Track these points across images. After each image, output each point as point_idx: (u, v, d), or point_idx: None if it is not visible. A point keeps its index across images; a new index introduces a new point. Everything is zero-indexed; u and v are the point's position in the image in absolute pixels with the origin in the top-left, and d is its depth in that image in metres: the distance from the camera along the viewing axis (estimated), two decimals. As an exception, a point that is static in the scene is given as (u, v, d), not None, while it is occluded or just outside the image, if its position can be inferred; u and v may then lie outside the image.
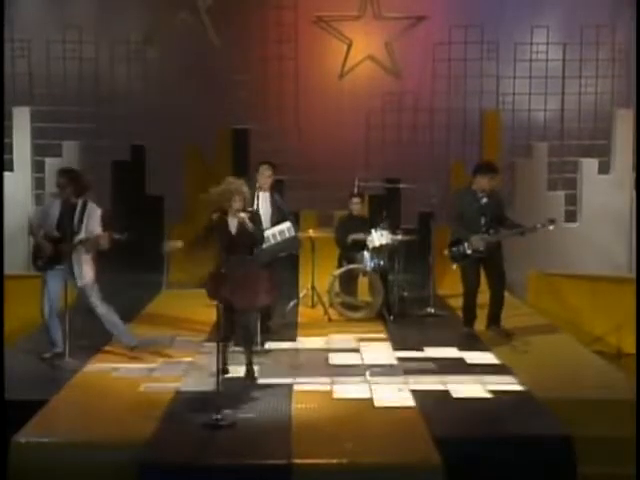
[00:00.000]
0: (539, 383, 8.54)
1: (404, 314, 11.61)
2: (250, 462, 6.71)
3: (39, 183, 13.96)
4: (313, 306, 12.03)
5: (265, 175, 10.39)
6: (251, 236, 8.75)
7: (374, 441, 7.09)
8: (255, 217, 8.94)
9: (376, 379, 8.79)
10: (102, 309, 9.49)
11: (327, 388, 8.47)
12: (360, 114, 13.99)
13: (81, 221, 9.30)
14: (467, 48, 14.05)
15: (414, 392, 8.25)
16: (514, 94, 14.23)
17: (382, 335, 10.73)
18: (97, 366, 9.27)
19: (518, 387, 8.48)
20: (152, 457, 6.79)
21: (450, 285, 13.24)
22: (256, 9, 13.83)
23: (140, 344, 9.74)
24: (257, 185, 10.24)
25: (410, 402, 8.01)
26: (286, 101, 14.03)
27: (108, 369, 9.15)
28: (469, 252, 10.25)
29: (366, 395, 8.26)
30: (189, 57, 13.81)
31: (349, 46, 13.88)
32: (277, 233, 10.25)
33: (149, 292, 13.17)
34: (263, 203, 10.22)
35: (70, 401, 8.12)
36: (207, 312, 10.04)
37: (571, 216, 14.18)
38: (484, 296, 10.60)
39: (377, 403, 8.03)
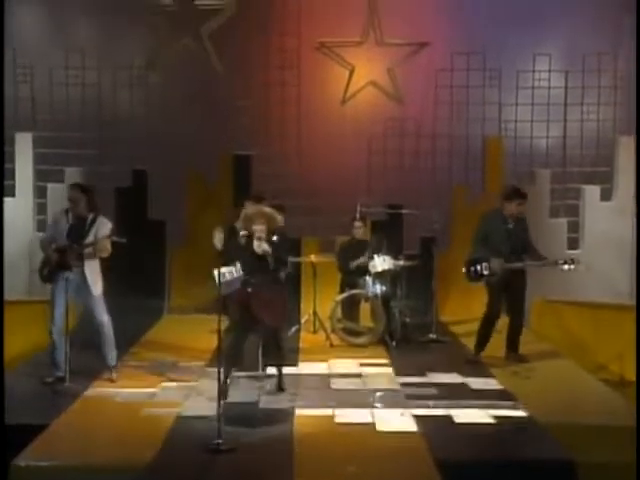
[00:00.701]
0: (542, 409, 8.55)
1: (406, 340, 11.61)
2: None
3: (41, 209, 13.94)
4: (315, 332, 12.05)
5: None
6: (274, 257, 9.00)
7: (376, 465, 7.08)
8: (280, 240, 9.17)
9: (378, 404, 8.78)
10: (106, 321, 9.59)
11: (329, 412, 8.48)
12: (362, 139, 14.01)
13: (90, 233, 9.42)
14: (469, 75, 14.06)
15: (416, 417, 8.25)
16: (516, 121, 14.22)
17: (384, 361, 10.73)
18: (98, 390, 9.28)
19: (521, 413, 8.47)
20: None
21: (452, 311, 13.34)
22: (259, 36, 13.84)
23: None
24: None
25: (412, 427, 8.00)
26: (288, 127, 14.04)
27: (109, 394, 9.16)
28: (486, 272, 10.31)
29: (368, 420, 8.26)
30: (192, 83, 13.83)
31: (351, 72, 13.91)
32: None
33: (150, 317, 13.15)
34: None
35: (70, 425, 8.12)
36: (209, 338, 10.06)
37: (573, 243, 14.14)
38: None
39: (379, 427, 8.02)
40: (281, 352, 9.41)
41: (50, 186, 13.85)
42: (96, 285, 9.52)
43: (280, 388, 9.24)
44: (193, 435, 7.76)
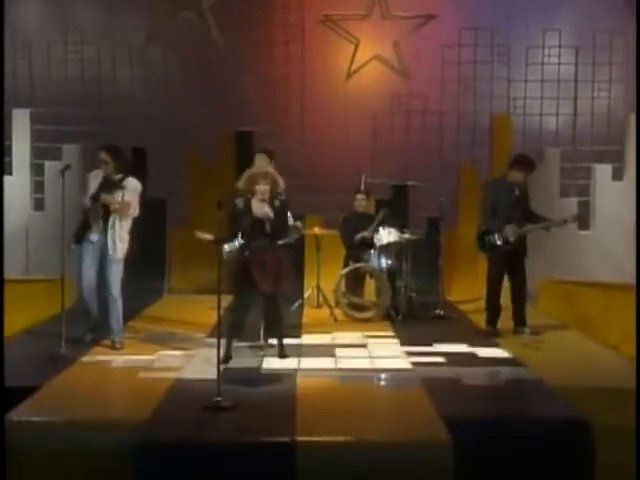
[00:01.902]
0: (551, 373, 8.43)
1: (412, 315, 11.48)
2: (252, 440, 6.59)
3: (38, 187, 13.87)
4: (318, 306, 11.94)
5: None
6: (274, 222, 8.89)
7: (380, 419, 6.99)
8: (280, 206, 9.03)
9: (383, 365, 8.70)
10: (117, 290, 9.57)
11: (332, 373, 8.45)
12: (367, 116, 13.92)
13: (117, 194, 9.38)
14: (477, 51, 13.97)
15: (422, 379, 8.15)
16: (525, 98, 14.14)
17: (390, 333, 10.61)
18: (94, 357, 9.19)
19: (530, 376, 8.37)
20: (150, 437, 6.66)
21: (460, 291, 13.23)
22: (262, 9, 13.77)
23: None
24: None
25: (417, 384, 7.91)
26: (292, 103, 13.96)
27: (106, 360, 9.09)
28: (499, 243, 10.25)
29: (373, 378, 8.23)
30: (193, 58, 13.77)
31: (356, 46, 13.83)
32: None
33: (149, 297, 13.02)
34: None
35: (66, 385, 8.04)
36: (209, 314, 9.92)
37: (584, 223, 14.00)
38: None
39: (384, 385, 7.94)
40: (280, 322, 9.34)
41: (48, 164, 13.72)
42: (116, 248, 9.46)
43: (282, 355, 9.11)
44: (192, 394, 7.67)
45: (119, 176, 9.53)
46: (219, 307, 7.59)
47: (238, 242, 9.48)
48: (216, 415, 7.10)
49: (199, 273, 12.98)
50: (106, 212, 9.40)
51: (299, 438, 6.50)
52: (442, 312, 11.74)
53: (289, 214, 9.53)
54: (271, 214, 8.89)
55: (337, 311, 11.41)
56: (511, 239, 10.24)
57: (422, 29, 13.88)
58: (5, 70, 13.28)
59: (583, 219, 10.78)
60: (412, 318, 11.43)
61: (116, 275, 9.55)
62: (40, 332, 10.32)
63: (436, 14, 13.75)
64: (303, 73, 13.93)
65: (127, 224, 9.56)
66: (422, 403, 7.38)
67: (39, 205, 13.88)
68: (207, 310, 10.49)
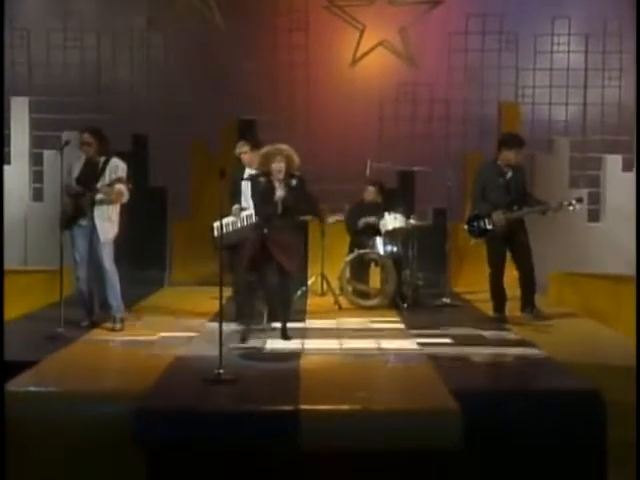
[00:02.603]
0: (561, 352, 8.40)
1: (418, 303, 11.43)
2: (255, 408, 6.54)
3: (37, 176, 13.87)
4: (323, 294, 11.90)
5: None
6: (293, 202, 8.91)
7: (386, 389, 6.95)
8: (298, 184, 9.01)
9: (389, 344, 8.67)
10: (111, 268, 9.56)
11: (337, 351, 8.41)
12: (373, 104, 13.90)
13: (103, 175, 9.39)
14: (485, 38, 13.97)
15: (429, 355, 8.11)
16: (534, 87, 14.11)
17: (396, 319, 10.56)
18: (93, 337, 9.18)
19: (540, 354, 8.33)
20: (149, 404, 6.62)
21: (466, 283, 13.17)
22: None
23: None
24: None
25: (424, 360, 7.88)
26: (296, 91, 13.94)
27: (105, 339, 9.10)
28: (489, 227, 10.15)
29: (378, 355, 8.19)
30: (195, 44, 13.77)
31: (362, 32, 13.82)
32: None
33: (149, 288, 12.97)
34: None
35: (65, 360, 8.04)
36: (211, 303, 10.08)
37: (594, 215, 13.99)
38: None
39: (390, 360, 7.90)
40: (291, 303, 9.45)
41: (47, 153, 13.70)
42: (105, 231, 9.45)
43: (285, 336, 9.06)
44: (193, 369, 7.65)
45: (102, 159, 9.51)
46: (221, 283, 7.57)
47: (240, 220, 9.53)
48: (217, 387, 7.06)
49: (201, 265, 12.92)
50: (92, 196, 9.37)
51: (303, 406, 6.45)
52: (449, 300, 11.69)
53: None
54: (282, 196, 8.86)
55: (342, 299, 11.33)
56: (502, 224, 10.13)
57: (429, 15, 13.87)
58: (3, 58, 13.33)
59: (582, 202, 10.57)
60: (418, 306, 11.37)
61: (108, 255, 9.55)
62: (38, 317, 10.32)
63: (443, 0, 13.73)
64: (307, 60, 13.90)
65: (115, 208, 9.57)
66: (429, 377, 7.35)
67: (38, 195, 13.88)
68: (209, 300, 10.52)
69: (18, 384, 6.98)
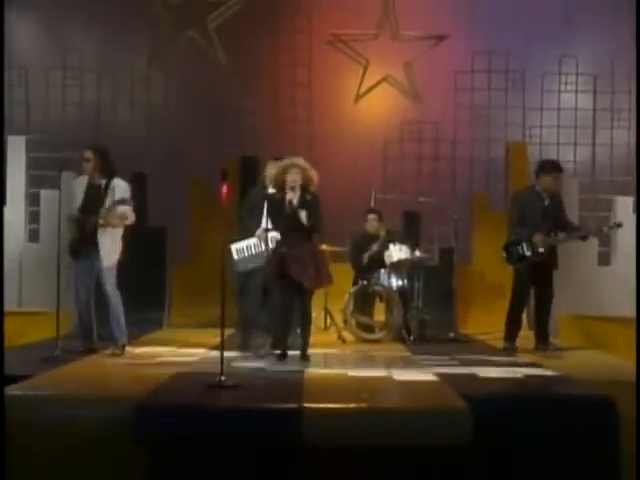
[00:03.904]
0: (572, 371, 8.48)
1: (424, 338, 11.50)
2: (257, 406, 6.61)
3: (33, 217, 13.95)
4: (326, 328, 11.97)
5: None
6: (308, 217, 9.06)
7: (392, 391, 7.01)
8: (312, 199, 9.17)
9: (395, 367, 8.75)
10: (113, 293, 9.65)
11: (342, 372, 8.47)
12: (377, 142, 14.14)
13: (105, 198, 9.49)
14: (491, 77, 14.23)
15: (437, 374, 8.17)
16: (541, 126, 14.38)
17: (402, 348, 10.63)
18: (92, 359, 9.25)
19: (551, 373, 8.40)
20: (150, 402, 6.70)
21: (474, 325, 13.21)
22: (268, 32, 14.08)
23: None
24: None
25: (432, 377, 7.93)
26: (298, 129, 14.18)
27: (104, 360, 9.22)
28: (528, 253, 10.23)
29: (384, 374, 8.23)
30: (196, 82, 14.02)
31: (365, 67, 14.11)
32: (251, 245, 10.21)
33: (148, 328, 12.98)
34: None
35: (63, 373, 8.16)
36: (211, 338, 10.08)
37: (605, 258, 14.06)
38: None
39: (396, 377, 7.96)
40: (311, 320, 9.53)
41: (43, 192, 13.81)
42: (107, 256, 9.53)
43: (305, 357, 9.19)
44: (195, 379, 7.74)
45: (103, 180, 9.61)
46: (223, 289, 7.67)
47: (254, 246, 9.64)
48: (219, 391, 7.13)
49: (201, 309, 12.89)
50: (94, 221, 9.46)
51: (306, 404, 6.52)
52: (456, 335, 11.75)
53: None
54: (302, 214, 9.03)
55: (345, 333, 11.42)
56: (540, 249, 10.22)
57: (434, 52, 14.19)
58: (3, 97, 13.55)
59: (620, 226, 10.74)
60: (424, 340, 11.44)
61: (110, 281, 9.63)
62: (34, 346, 10.35)
63: (448, 34, 13.99)
64: (310, 97, 14.17)
65: (119, 230, 9.66)
66: (436, 384, 7.42)
67: (34, 236, 13.95)
68: (210, 336, 10.54)
69: (17, 388, 7.06)
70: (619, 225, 10.66)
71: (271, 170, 9.64)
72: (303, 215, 9.01)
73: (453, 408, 6.55)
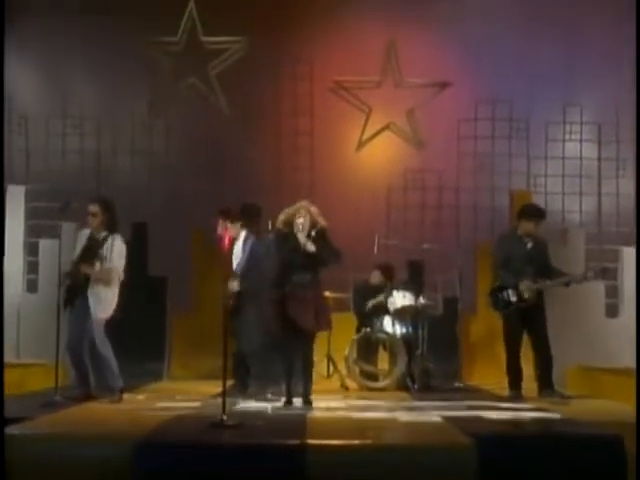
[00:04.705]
0: (579, 414, 8.50)
1: (429, 387, 11.49)
2: (259, 442, 6.63)
3: (32, 267, 13.99)
4: (329, 376, 11.96)
5: None
6: (314, 254, 9.21)
7: (397, 429, 7.03)
8: (320, 235, 9.37)
9: (399, 410, 8.76)
10: (102, 344, 9.67)
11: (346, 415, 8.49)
12: (380, 191, 14.23)
13: (101, 253, 9.59)
14: (494, 125, 14.36)
15: (441, 416, 8.19)
16: (546, 175, 14.46)
17: (406, 397, 10.65)
18: (91, 403, 9.27)
19: (558, 416, 8.42)
20: (152, 439, 6.73)
21: (479, 375, 13.18)
22: (270, 79, 14.25)
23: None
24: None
25: (437, 419, 7.95)
26: (300, 177, 14.26)
27: (103, 405, 9.25)
28: (513, 299, 10.31)
29: (388, 415, 8.23)
30: (197, 129, 14.16)
31: (368, 114, 14.25)
32: None
33: (147, 379, 12.98)
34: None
35: (63, 415, 8.26)
36: (212, 388, 10.12)
37: (612, 310, 14.06)
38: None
39: (400, 418, 7.98)
40: (312, 364, 9.66)
41: (42, 242, 13.87)
42: (99, 309, 9.60)
43: (307, 401, 9.24)
44: (197, 419, 7.78)
45: (103, 234, 9.72)
46: (225, 324, 7.71)
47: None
48: (221, 430, 7.15)
49: (202, 360, 12.90)
50: (87, 275, 9.57)
51: (309, 441, 6.54)
52: (461, 384, 11.75)
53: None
54: (312, 248, 9.12)
55: (348, 381, 11.45)
56: (526, 295, 10.31)
57: (437, 99, 14.34)
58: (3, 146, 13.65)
59: (607, 274, 10.73)
60: (429, 389, 11.43)
61: (99, 330, 9.66)
62: (32, 396, 10.32)
63: (451, 82, 14.15)
64: (312, 145, 14.29)
65: (112, 286, 9.71)
66: (441, 424, 7.43)
67: (32, 286, 13.98)
68: (213, 387, 10.53)
69: (17, 428, 7.10)
70: (604, 272, 10.61)
71: (280, 217, 9.71)
72: (312, 248, 9.11)
73: (458, 445, 6.58)
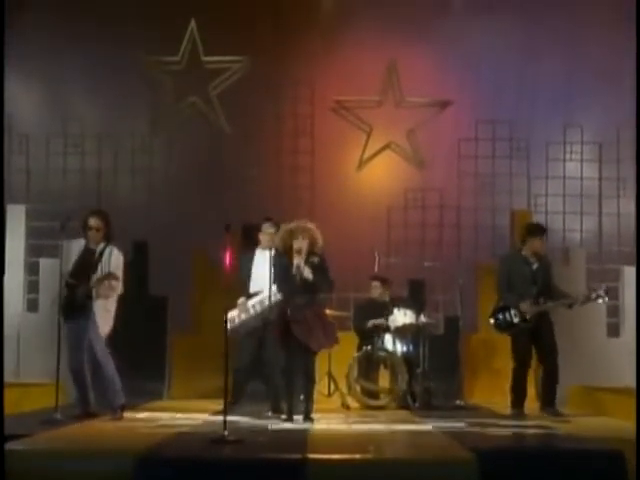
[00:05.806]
0: (580, 432, 8.51)
1: (429, 405, 11.51)
2: (261, 457, 6.66)
3: (32, 286, 14.02)
4: (330, 395, 11.99)
5: (267, 233, 10.59)
6: (312, 281, 9.25)
7: (398, 444, 7.07)
8: (319, 263, 9.36)
9: (400, 425, 8.81)
10: (104, 357, 9.67)
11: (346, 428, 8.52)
12: (380, 210, 14.27)
13: (97, 267, 9.59)
14: (495, 145, 14.44)
15: (443, 431, 8.23)
16: (546, 195, 14.51)
17: (407, 415, 10.68)
18: (91, 421, 9.30)
19: (560, 432, 8.46)
20: (153, 454, 6.76)
21: (480, 395, 13.20)
22: (270, 99, 14.34)
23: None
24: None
25: (438, 433, 7.99)
26: (301, 196, 14.33)
27: (104, 423, 9.26)
28: (516, 321, 10.38)
29: (389, 430, 8.27)
30: (198, 149, 14.23)
31: (369, 134, 14.33)
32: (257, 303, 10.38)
33: (147, 398, 12.99)
34: (262, 262, 10.39)
35: (63, 432, 8.28)
36: (213, 405, 10.23)
37: (614, 329, 14.09)
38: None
39: (402, 433, 8.03)
40: (314, 381, 9.73)
41: (43, 261, 13.90)
42: (98, 324, 9.60)
43: (308, 418, 9.30)
44: (198, 435, 7.82)
45: (100, 247, 9.73)
46: (226, 343, 7.76)
47: (244, 311, 9.76)
48: (222, 445, 7.19)
49: (203, 380, 12.92)
50: (86, 288, 9.54)
51: (311, 455, 6.58)
52: (462, 403, 11.79)
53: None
54: (310, 276, 9.14)
55: (349, 399, 11.48)
56: (528, 316, 10.38)
57: (438, 119, 14.43)
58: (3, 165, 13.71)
59: (610, 295, 10.78)
60: (430, 407, 11.45)
61: (100, 347, 9.67)
62: (32, 414, 10.35)
63: (452, 101, 14.23)
64: (313, 164, 14.37)
65: (111, 299, 9.74)
66: (442, 438, 7.47)
67: (33, 306, 14.00)
68: (214, 405, 10.57)
69: (17, 444, 7.13)
70: (607, 293, 10.67)
71: (279, 234, 9.72)
72: (310, 276, 9.12)
73: (459, 459, 6.61)
